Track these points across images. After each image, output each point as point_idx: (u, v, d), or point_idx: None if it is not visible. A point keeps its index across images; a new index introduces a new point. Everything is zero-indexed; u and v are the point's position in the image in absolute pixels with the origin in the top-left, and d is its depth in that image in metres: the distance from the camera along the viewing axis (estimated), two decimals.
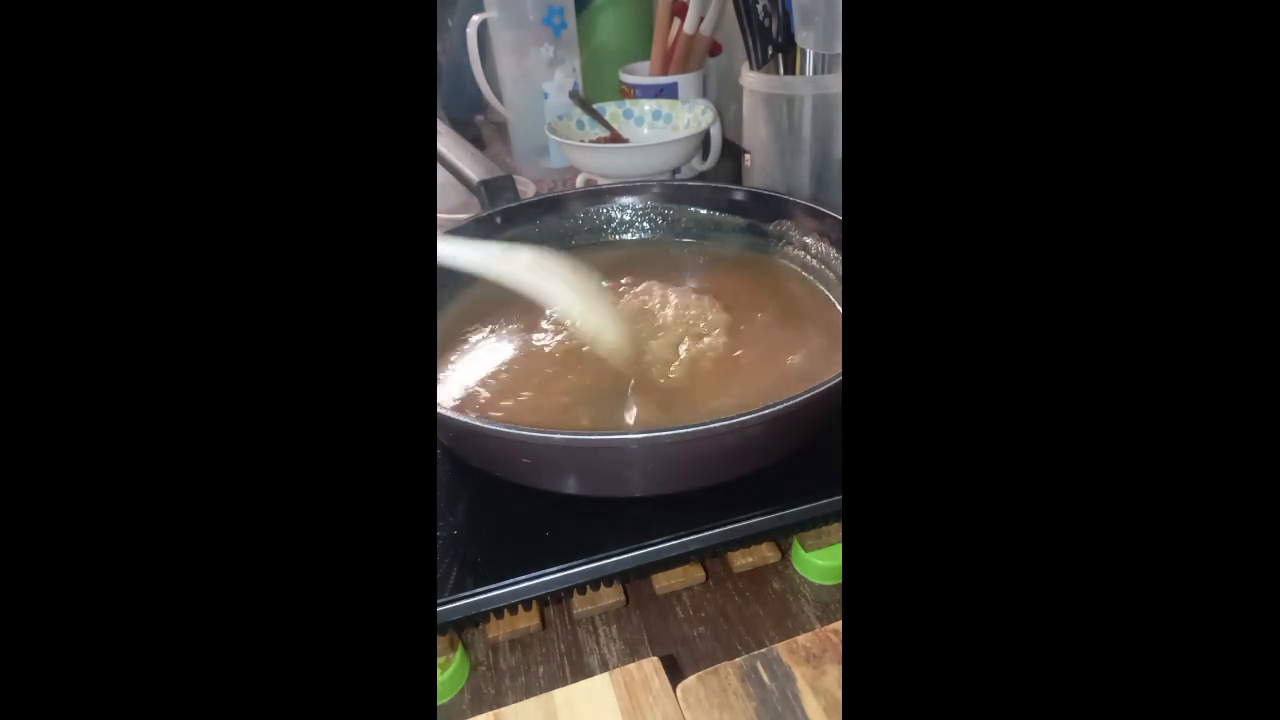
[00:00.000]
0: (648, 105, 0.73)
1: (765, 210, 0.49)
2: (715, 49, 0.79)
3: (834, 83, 0.53)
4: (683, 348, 0.39)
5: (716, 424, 0.27)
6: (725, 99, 0.84)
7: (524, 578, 0.29)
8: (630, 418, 0.35)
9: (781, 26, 0.53)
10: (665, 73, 0.75)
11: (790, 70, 0.55)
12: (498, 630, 0.34)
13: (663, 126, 0.72)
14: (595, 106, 0.71)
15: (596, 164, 0.66)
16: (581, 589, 0.32)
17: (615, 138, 0.71)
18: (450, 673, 0.33)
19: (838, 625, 0.27)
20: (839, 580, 0.38)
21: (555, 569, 0.29)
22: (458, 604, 0.29)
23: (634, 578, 0.32)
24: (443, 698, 0.33)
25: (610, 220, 0.53)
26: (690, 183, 0.55)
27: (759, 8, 0.52)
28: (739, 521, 0.31)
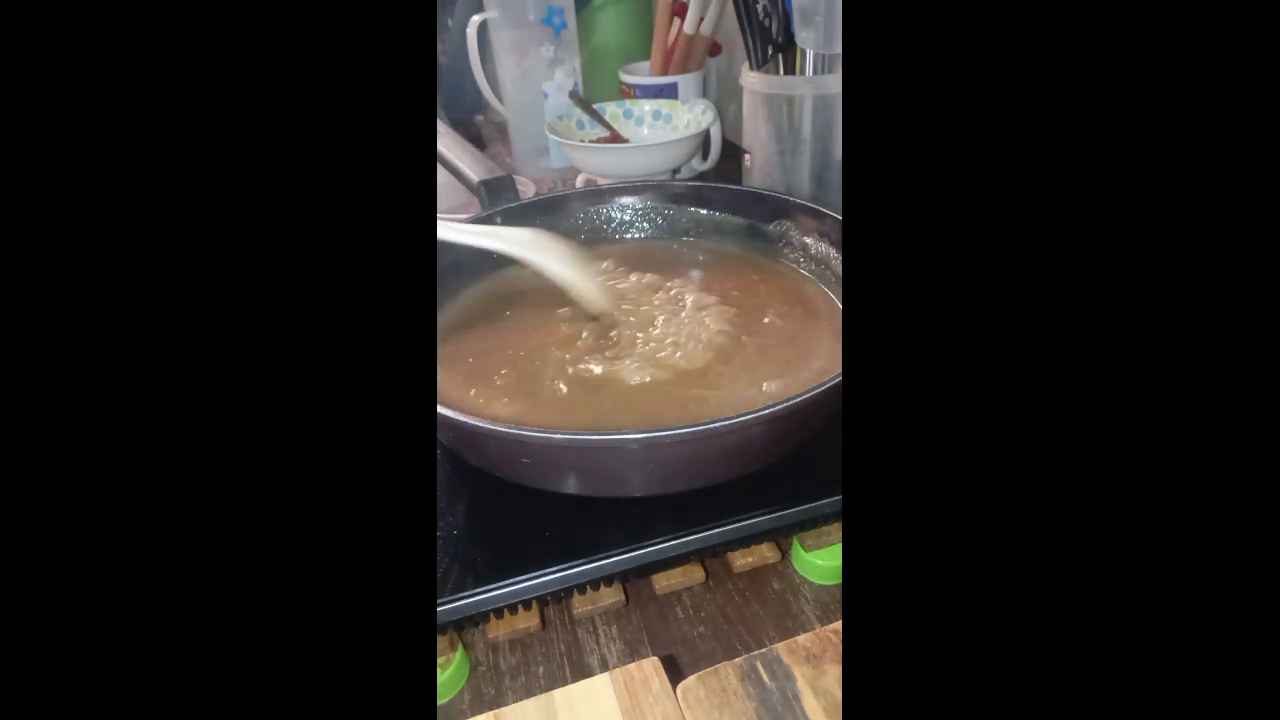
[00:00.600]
0: (648, 105, 0.73)
1: (765, 210, 0.49)
2: (715, 49, 0.79)
3: (834, 83, 0.53)
4: (680, 346, 0.39)
5: (716, 424, 0.27)
6: (725, 99, 0.84)
7: (524, 578, 0.29)
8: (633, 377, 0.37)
9: (781, 26, 0.53)
10: (665, 73, 0.75)
11: (790, 70, 0.55)
12: (498, 630, 0.34)
13: (663, 126, 0.72)
14: (595, 106, 0.71)
15: (596, 164, 0.66)
16: (581, 589, 0.32)
17: (615, 138, 0.71)
18: (450, 673, 0.33)
19: (838, 625, 0.27)
20: (839, 580, 0.38)
21: (555, 569, 0.29)
22: (458, 604, 0.29)
23: (634, 578, 0.32)
24: (443, 698, 0.33)
25: (610, 220, 0.53)
26: (690, 183, 0.55)
27: (759, 8, 0.53)
28: (739, 521, 0.31)
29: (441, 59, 0.90)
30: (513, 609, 0.30)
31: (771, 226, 0.49)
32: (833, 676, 0.25)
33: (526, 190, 0.63)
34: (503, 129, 0.85)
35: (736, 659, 0.26)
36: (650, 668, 0.26)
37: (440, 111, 0.88)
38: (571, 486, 0.32)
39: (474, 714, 0.28)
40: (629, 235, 0.53)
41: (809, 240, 0.47)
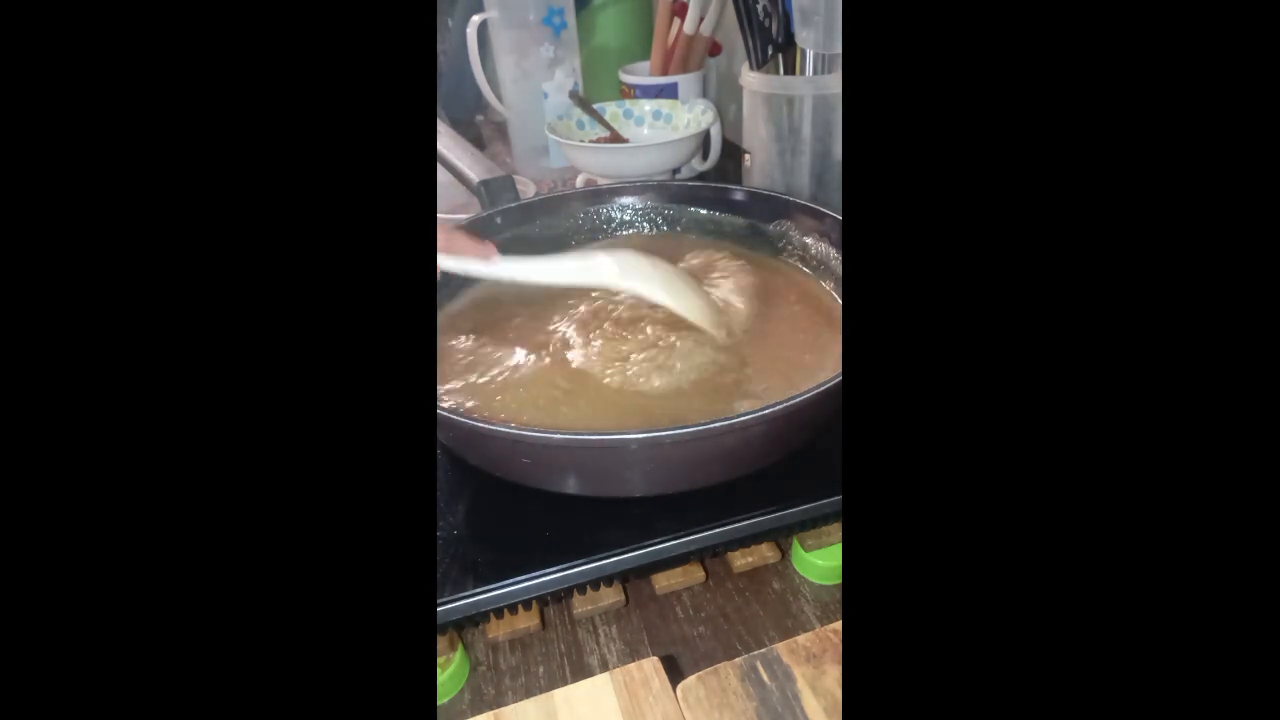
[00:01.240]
0: (648, 105, 0.73)
1: (765, 210, 0.49)
2: (715, 49, 0.79)
3: (834, 83, 0.53)
4: (679, 346, 0.39)
5: (716, 424, 0.27)
6: (725, 99, 0.84)
7: (524, 578, 0.29)
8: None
9: (781, 26, 0.53)
10: (665, 73, 0.75)
11: (790, 70, 0.55)
12: (498, 630, 0.34)
13: (663, 126, 0.72)
14: (595, 106, 0.71)
15: (596, 164, 0.66)
16: (581, 589, 0.32)
17: (615, 138, 0.71)
18: (450, 673, 0.33)
19: (838, 625, 0.27)
20: (839, 580, 0.38)
21: (555, 569, 0.29)
22: (458, 604, 0.29)
23: (634, 578, 0.33)
24: (443, 698, 0.33)
25: (610, 220, 0.53)
26: (690, 183, 0.55)
27: (759, 8, 0.52)
28: (739, 521, 0.31)
29: (441, 59, 0.90)
30: (513, 609, 0.30)
31: (771, 226, 0.49)
32: (833, 676, 0.25)
33: (526, 190, 0.63)
34: (503, 129, 0.85)
35: (736, 659, 0.26)
36: (650, 668, 0.26)
37: (440, 111, 0.88)
38: (571, 486, 0.32)
39: (474, 714, 0.28)
40: (629, 235, 0.53)
41: (809, 240, 0.47)
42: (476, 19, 0.73)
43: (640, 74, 0.78)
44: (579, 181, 0.70)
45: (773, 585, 0.38)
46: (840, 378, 0.29)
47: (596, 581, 0.31)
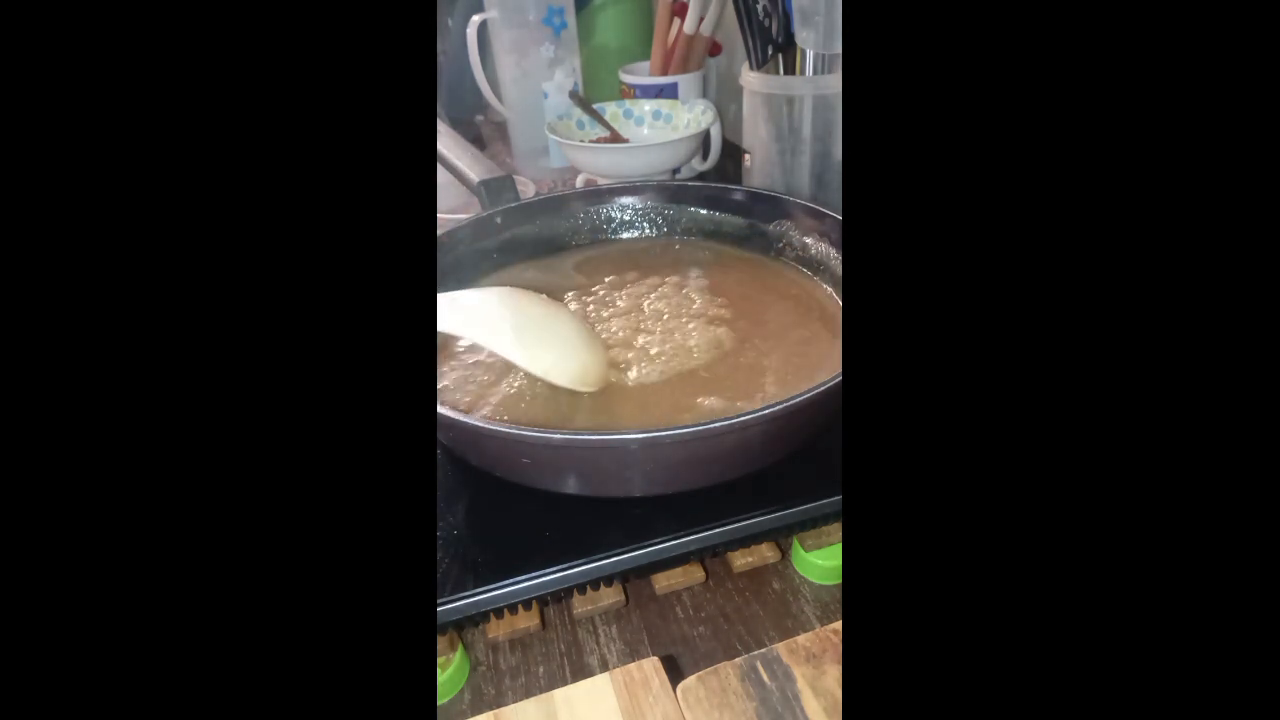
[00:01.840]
0: (648, 105, 0.73)
1: (765, 210, 0.49)
2: (715, 49, 0.79)
3: (834, 83, 0.53)
4: (680, 346, 0.39)
5: (716, 424, 0.27)
6: (725, 99, 0.84)
7: (524, 578, 0.29)
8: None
9: (781, 26, 0.53)
10: (665, 73, 0.75)
11: (790, 70, 0.55)
12: (498, 630, 0.34)
13: (663, 126, 0.72)
14: (595, 106, 0.71)
15: (596, 164, 0.66)
16: (581, 589, 0.32)
17: (615, 138, 0.71)
18: (450, 673, 0.33)
19: (838, 625, 0.27)
20: (839, 580, 0.38)
21: (555, 569, 0.29)
22: (458, 604, 0.29)
23: (634, 578, 0.32)
24: (443, 698, 0.33)
25: (610, 220, 0.53)
26: (690, 183, 0.55)
27: (759, 8, 0.52)
28: (739, 521, 0.31)
29: (441, 59, 0.90)
30: (513, 609, 0.30)
31: (771, 226, 0.49)
32: (833, 676, 0.25)
33: (526, 190, 0.63)
34: (503, 129, 0.86)
35: (736, 659, 0.26)
36: (650, 668, 0.26)
37: (440, 111, 0.88)
38: (571, 486, 0.32)
39: (474, 714, 0.28)
40: (629, 235, 0.53)
41: (809, 240, 0.47)
42: (476, 19, 0.73)
43: (640, 74, 0.78)
44: (579, 181, 0.70)
45: (773, 585, 0.38)
46: (840, 378, 0.29)
47: (596, 581, 0.31)
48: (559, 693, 0.25)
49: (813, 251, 0.47)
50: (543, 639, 0.36)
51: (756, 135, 0.58)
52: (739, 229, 0.51)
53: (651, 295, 0.45)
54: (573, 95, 0.72)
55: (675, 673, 0.26)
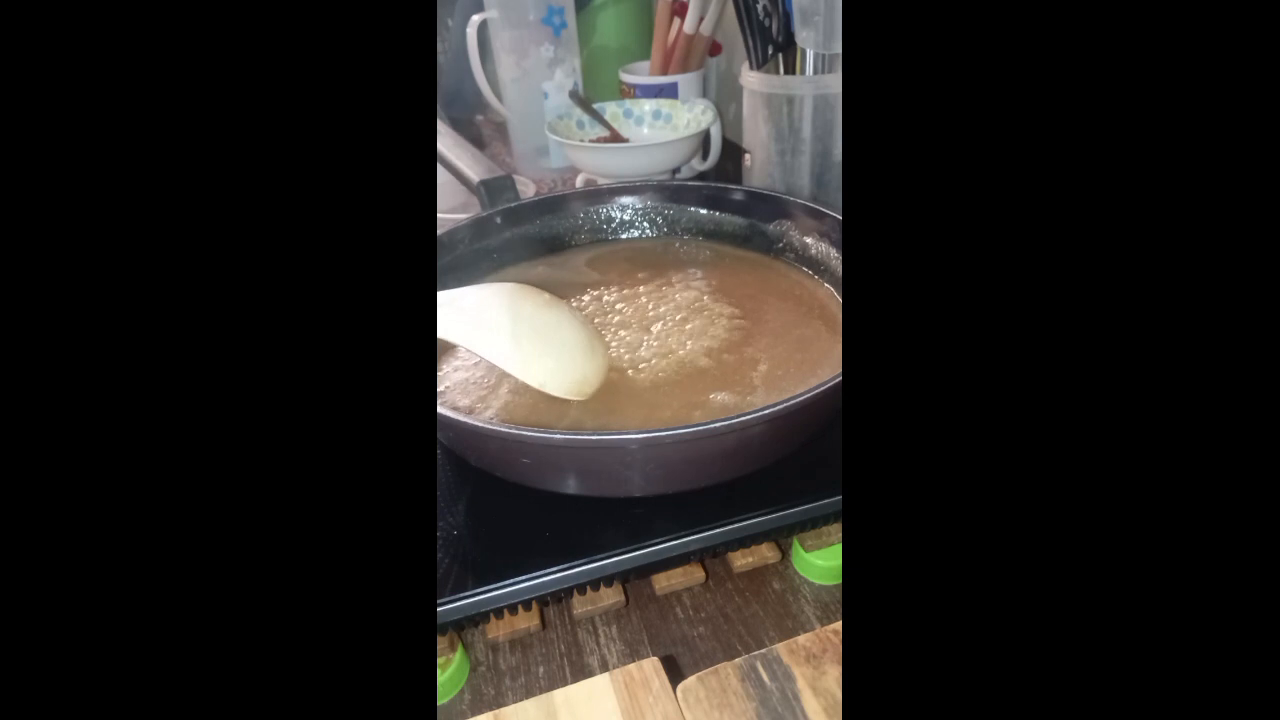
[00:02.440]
0: (648, 105, 0.73)
1: (765, 210, 0.49)
2: (715, 49, 0.79)
3: (834, 83, 0.53)
4: (680, 346, 0.39)
5: (716, 424, 0.27)
6: (725, 99, 0.84)
7: (524, 578, 0.29)
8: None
9: (781, 26, 0.53)
10: (665, 72, 0.75)
11: (790, 70, 0.55)
12: (498, 630, 0.34)
13: (663, 126, 0.72)
14: (595, 106, 0.71)
15: (596, 164, 0.66)
16: (581, 589, 0.32)
17: (615, 138, 0.71)
18: (450, 673, 0.33)
19: (838, 625, 0.27)
20: (839, 580, 0.38)
21: (555, 569, 0.29)
22: (458, 604, 0.29)
23: (634, 578, 0.32)
24: (443, 698, 0.33)
25: (610, 220, 0.53)
26: (690, 183, 0.55)
27: (759, 8, 0.52)
28: (739, 521, 0.31)
29: (441, 59, 0.90)
30: (513, 609, 0.30)
31: (771, 226, 0.49)
32: (833, 676, 0.25)
33: (526, 190, 0.63)
34: (503, 129, 0.85)
35: (736, 659, 0.26)
36: (650, 668, 0.26)
37: (440, 111, 0.88)
38: (571, 486, 0.32)
39: (474, 714, 0.28)
40: (629, 235, 0.53)
41: (809, 240, 0.47)
42: (476, 19, 0.73)
43: (640, 74, 0.78)
44: (579, 181, 0.70)
45: (773, 585, 0.38)
46: (840, 378, 0.29)
47: (596, 582, 0.31)
48: (559, 693, 0.25)
49: (813, 251, 0.47)
50: (543, 639, 0.36)
51: (756, 135, 0.58)
52: (739, 229, 0.51)
53: (653, 294, 0.45)
54: (573, 95, 0.72)
55: (675, 673, 0.26)
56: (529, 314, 0.35)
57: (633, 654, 0.35)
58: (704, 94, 0.78)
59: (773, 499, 0.32)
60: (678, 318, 0.42)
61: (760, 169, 0.59)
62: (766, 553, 0.37)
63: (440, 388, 0.38)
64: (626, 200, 0.53)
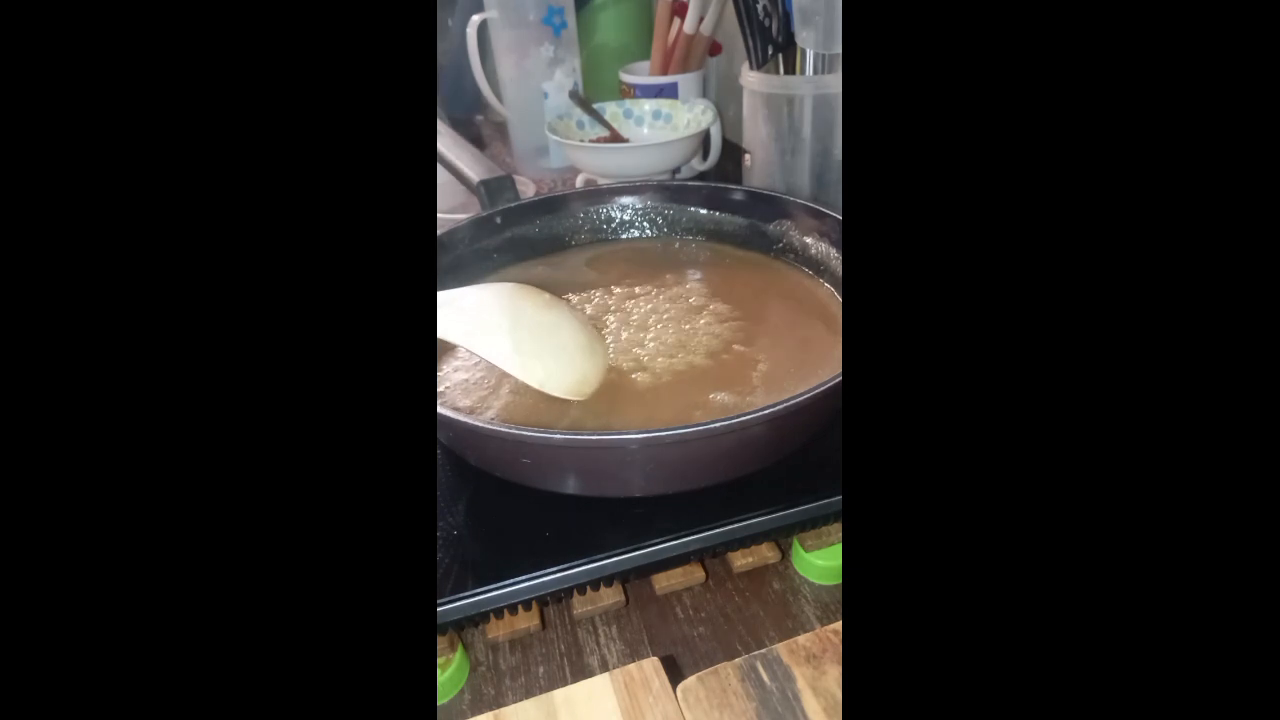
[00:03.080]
0: (648, 105, 0.73)
1: (765, 210, 0.49)
2: (715, 49, 0.79)
3: (834, 83, 0.53)
4: (680, 346, 0.39)
5: (716, 424, 0.27)
6: (725, 99, 0.84)
7: (524, 578, 0.29)
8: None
9: (781, 26, 0.53)
10: (665, 72, 0.75)
11: (790, 70, 0.55)
12: (498, 630, 0.34)
13: (663, 126, 0.72)
14: (595, 106, 0.71)
15: (596, 164, 0.66)
16: (581, 589, 0.32)
17: (615, 138, 0.71)
18: (450, 673, 0.33)
19: (838, 625, 0.27)
20: (839, 580, 0.38)
21: (555, 569, 0.29)
22: (458, 604, 0.29)
23: (634, 578, 0.32)
24: (443, 698, 0.33)
25: (610, 220, 0.53)
26: (690, 183, 0.55)
27: (759, 8, 0.52)
28: (739, 521, 0.31)
29: (441, 59, 0.90)
30: (513, 609, 0.30)
31: (771, 226, 0.49)
32: (833, 676, 0.25)
33: (526, 190, 0.63)
34: (503, 129, 0.85)
35: (736, 659, 0.26)
36: (650, 668, 0.26)
37: (440, 111, 0.88)
38: (571, 486, 0.32)
39: (474, 714, 0.28)
40: (629, 235, 0.53)
41: (809, 240, 0.47)
42: (476, 19, 0.73)
43: (640, 74, 0.78)
44: (579, 181, 0.70)
45: (773, 585, 0.38)
46: (840, 378, 0.29)
47: (596, 582, 0.31)
48: (559, 693, 0.25)
49: (813, 251, 0.47)
50: (543, 639, 0.36)
51: (756, 135, 0.58)
52: (739, 229, 0.51)
53: (653, 294, 0.45)
54: (573, 95, 0.72)
55: (675, 673, 0.26)
56: (529, 314, 0.35)
57: (633, 654, 0.35)
58: (704, 94, 0.78)
59: (773, 499, 0.32)
60: (678, 318, 0.42)
61: (760, 169, 0.59)
62: (766, 553, 0.37)
63: (440, 388, 0.38)
64: (626, 200, 0.53)
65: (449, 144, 0.54)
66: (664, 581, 0.36)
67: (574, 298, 0.45)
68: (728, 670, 0.26)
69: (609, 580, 0.31)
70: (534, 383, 0.33)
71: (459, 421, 0.30)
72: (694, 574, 0.36)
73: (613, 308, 0.44)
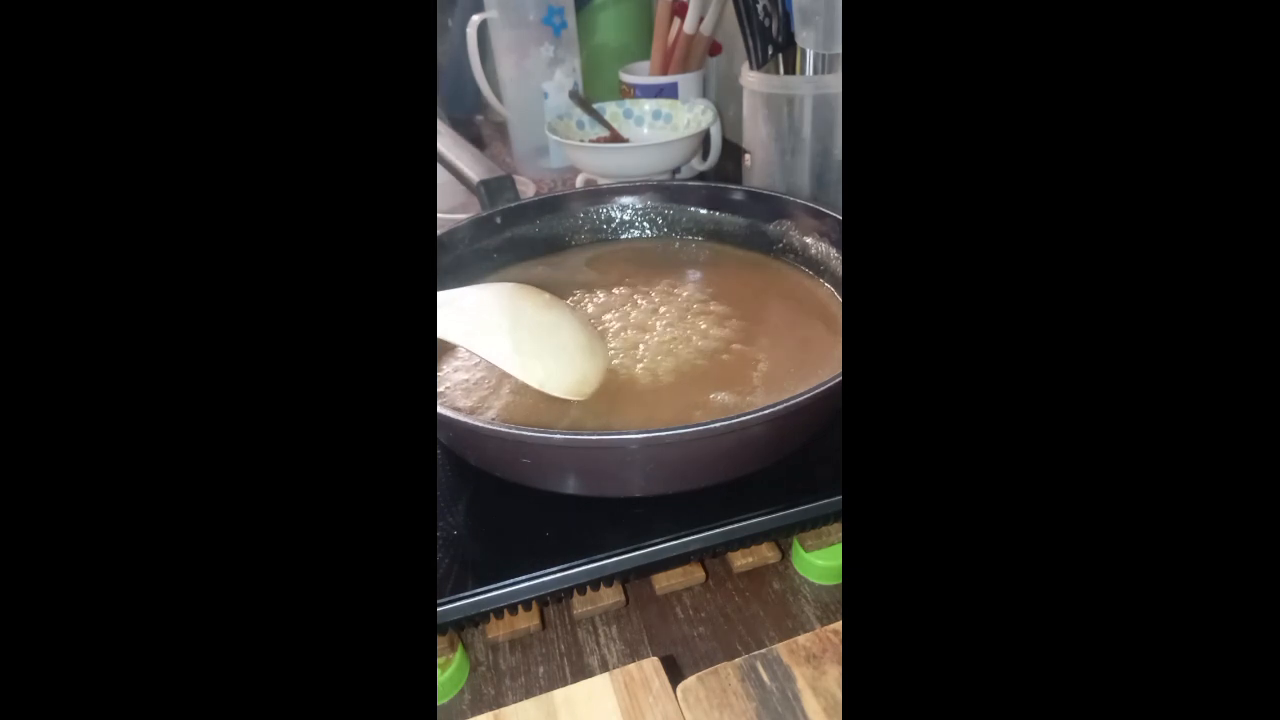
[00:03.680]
0: (648, 105, 0.73)
1: (765, 210, 0.49)
2: (715, 49, 0.79)
3: (834, 83, 0.53)
4: (680, 346, 0.39)
5: (716, 424, 0.27)
6: (725, 99, 0.84)
7: (524, 578, 0.29)
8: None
9: (781, 26, 0.53)
10: (665, 72, 0.75)
11: (790, 70, 0.55)
12: (498, 630, 0.34)
13: (663, 126, 0.72)
14: (595, 106, 0.71)
15: (596, 164, 0.66)
16: (581, 589, 0.32)
17: (615, 138, 0.71)
18: (450, 673, 0.33)
19: (838, 625, 0.27)
20: (839, 580, 0.38)
21: (555, 569, 0.29)
22: (458, 604, 0.29)
23: (634, 578, 0.32)
24: (443, 698, 0.33)
25: (610, 220, 0.53)
26: (690, 183, 0.55)
27: (759, 8, 0.52)
28: (739, 521, 0.31)
29: (441, 59, 0.90)
30: (513, 609, 0.30)
31: (771, 226, 0.49)
32: (833, 676, 0.25)
33: (526, 190, 0.63)
34: (503, 129, 0.85)
35: (736, 659, 0.26)
36: (650, 668, 0.26)
37: (440, 111, 0.88)
38: (571, 486, 0.32)
39: (474, 714, 0.28)
40: (629, 235, 0.53)
41: (809, 240, 0.47)
42: (476, 19, 0.73)
43: (640, 74, 0.78)
44: (579, 181, 0.70)
45: (773, 585, 0.38)
46: (840, 378, 0.29)
47: (596, 582, 0.31)
48: (559, 693, 0.25)
49: (813, 251, 0.47)
50: (543, 639, 0.36)
51: (756, 135, 0.58)
52: (739, 229, 0.51)
53: (653, 294, 0.45)
54: (573, 95, 0.72)
55: (675, 673, 0.26)
56: (529, 314, 0.35)
57: (633, 654, 0.35)
58: (704, 94, 0.78)
59: (773, 499, 0.32)
60: (678, 318, 0.42)
61: (760, 169, 0.59)
62: (766, 553, 0.37)
63: (440, 388, 0.38)
64: (626, 200, 0.53)
65: (449, 144, 0.54)
66: (664, 581, 0.36)
67: (574, 298, 0.45)
68: (728, 670, 0.26)
69: (609, 580, 0.31)
70: (534, 383, 0.33)
71: (459, 421, 0.30)
72: (694, 574, 0.36)
73: (612, 308, 0.44)
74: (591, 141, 0.70)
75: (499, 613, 0.30)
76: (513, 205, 0.50)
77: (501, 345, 0.33)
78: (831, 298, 0.44)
